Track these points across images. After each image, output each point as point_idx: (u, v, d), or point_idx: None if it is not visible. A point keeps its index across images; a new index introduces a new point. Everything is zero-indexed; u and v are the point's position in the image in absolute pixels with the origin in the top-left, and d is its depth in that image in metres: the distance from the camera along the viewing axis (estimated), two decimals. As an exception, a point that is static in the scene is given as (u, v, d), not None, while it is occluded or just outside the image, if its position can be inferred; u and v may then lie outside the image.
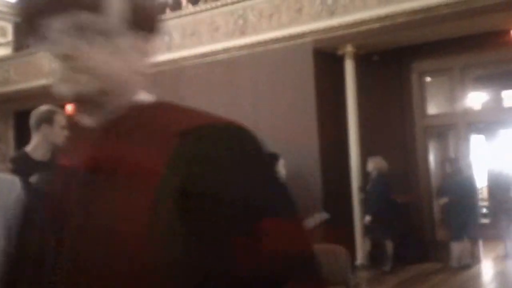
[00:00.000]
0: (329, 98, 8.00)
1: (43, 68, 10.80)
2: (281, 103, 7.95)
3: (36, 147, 3.22)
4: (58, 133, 3.18)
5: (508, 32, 7.47)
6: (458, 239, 7.11)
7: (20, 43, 11.62)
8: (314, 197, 7.52)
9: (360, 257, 7.48)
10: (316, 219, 3.88)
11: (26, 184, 3.10)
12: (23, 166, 3.10)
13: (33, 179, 3.22)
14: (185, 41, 8.83)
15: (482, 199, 9.82)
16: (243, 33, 8.30)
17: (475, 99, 8.49)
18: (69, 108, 11.97)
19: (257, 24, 8.20)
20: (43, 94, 11.76)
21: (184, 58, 8.79)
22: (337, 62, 7.91)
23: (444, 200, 7.25)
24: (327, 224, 6.78)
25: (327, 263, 4.46)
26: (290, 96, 7.92)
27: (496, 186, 8.14)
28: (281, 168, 3.90)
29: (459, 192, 7.13)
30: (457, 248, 7.13)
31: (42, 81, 10.80)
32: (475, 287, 6.80)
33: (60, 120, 3.19)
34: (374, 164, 7.33)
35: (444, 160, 7.89)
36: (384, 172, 7.26)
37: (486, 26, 7.28)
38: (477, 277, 7.18)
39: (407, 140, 8.12)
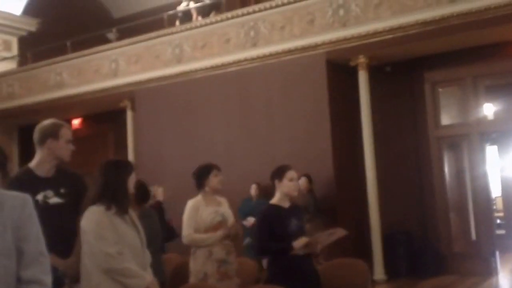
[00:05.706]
0: (343, 109, 7.94)
1: (48, 83, 10.68)
2: (294, 115, 7.89)
3: (40, 162, 3.02)
4: (64, 148, 3.04)
5: (519, 42, 7.47)
6: None
7: (25, 57, 11.49)
8: (330, 210, 7.43)
9: (378, 271, 7.39)
10: (332, 235, 3.79)
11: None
12: (27, 183, 2.86)
13: (40, 196, 2.98)
14: (195, 54, 8.76)
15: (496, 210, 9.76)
16: (254, 45, 8.24)
17: (488, 109, 8.45)
18: (75, 122, 11.84)
19: (269, 36, 8.14)
20: (48, 109, 11.67)
21: (195, 71, 8.72)
22: (350, 73, 7.86)
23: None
24: (345, 239, 6.67)
25: (347, 277, 4.39)
26: (303, 108, 7.85)
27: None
28: (290, 179, 3.80)
29: None
30: None
31: (46, 96, 10.67)
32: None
33: (65, 134, 3.05)
34: None
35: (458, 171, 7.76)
36: None
37: (497, 37, 7.29)
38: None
39: (421, 151, 8.06)
